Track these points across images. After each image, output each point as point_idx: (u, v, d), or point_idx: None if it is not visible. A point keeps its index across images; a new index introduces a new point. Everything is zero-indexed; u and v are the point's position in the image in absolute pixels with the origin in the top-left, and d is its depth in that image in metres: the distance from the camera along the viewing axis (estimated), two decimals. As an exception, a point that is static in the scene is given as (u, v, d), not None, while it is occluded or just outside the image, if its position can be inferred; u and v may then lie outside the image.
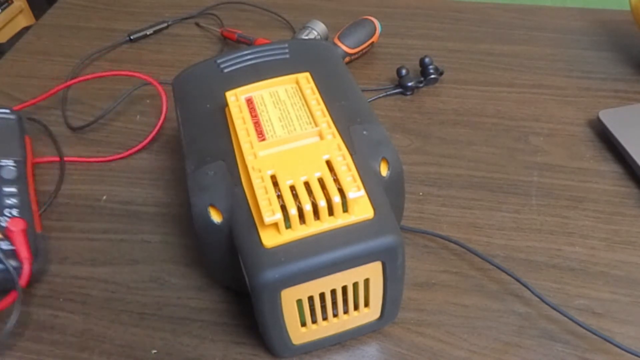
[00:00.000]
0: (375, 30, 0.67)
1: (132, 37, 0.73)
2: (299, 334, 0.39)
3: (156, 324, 0.45)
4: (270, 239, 0.35)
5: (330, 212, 0.35)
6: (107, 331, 0.44)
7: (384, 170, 0.40)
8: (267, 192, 0.35)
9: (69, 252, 0.50)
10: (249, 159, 0.38)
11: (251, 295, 0.36)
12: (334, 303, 0.38)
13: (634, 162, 0.52)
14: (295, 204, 0.35)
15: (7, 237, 0.45)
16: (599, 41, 0.69)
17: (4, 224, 0.46)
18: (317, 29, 0.68)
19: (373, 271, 0.37)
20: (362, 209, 0.36)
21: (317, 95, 0.42)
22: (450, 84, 0.65)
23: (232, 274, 0.41)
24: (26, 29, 1.67)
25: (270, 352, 0.42)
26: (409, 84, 0.63)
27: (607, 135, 0.56)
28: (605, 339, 0.41)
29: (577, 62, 0.67)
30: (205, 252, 0.41)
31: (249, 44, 0.69)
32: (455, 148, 0.57)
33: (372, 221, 0.36)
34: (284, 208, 0.35)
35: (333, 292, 0.37)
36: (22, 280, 0.44)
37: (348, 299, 0.38)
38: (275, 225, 0.35)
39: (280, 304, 0.35)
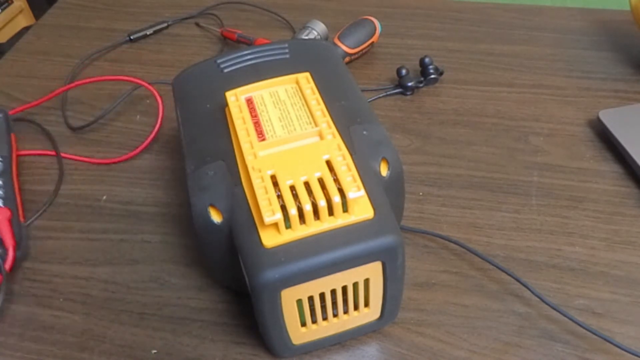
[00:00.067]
0: (375, 30, 0.67)
1: (132, 37, 0.73)
2: (299, 334, 0.39)
3: (156, 324, 0.45)
4: (270, 239, 0.35)
5: (330, 212, 0.35)
6: (107, 331, 0.44)
7: (384, 170, 0.40)
8: (267, 192, 0.35)
9: (69, 252, 0.50)
10: (249, 159, 0.38)
11: (251, 295, 0.36)
12: (334, 303, 0.38)
13: (634, 162, 0.52)
14: (295, 204, 0.35)
15: None
16: (599, 41, 0.69)
17: None
18: (317, 29, 0.68)
19: (373, 271, 0.37)
20: (362, 209, 0.36)
21: (317, 95, 0.42)
22: (450, 84, 0.65)
23: (232, 274, 0.41)
24: (26, 29, 1.67)
25: (270, 352, 0.42)
26: (409, 84, 0.63)
27: (607, 135, 0.56)
28: (605, 339, 0.41)
29: (577, 62, 0.67)
30: (205, 252, 0.41)
31: (249, 44, 0.69)
32: (455, 148, 0.57)
33: (372, 221, 0.36)
34: (284, 208, 0.35)
35: (333, 292, 0.37)
36: (7, 265, 0.47)
37: (348, 299, 0.38)
38: (275, 225, 0.35)
39: (280, 304, 0.36)
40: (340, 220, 0.35)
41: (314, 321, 0.39)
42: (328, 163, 0.37)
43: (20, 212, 0.52)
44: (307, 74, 0.44)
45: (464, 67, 0.67)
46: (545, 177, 0.54)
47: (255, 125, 0.40)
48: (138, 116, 0.63)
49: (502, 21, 0.74)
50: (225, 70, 0.46)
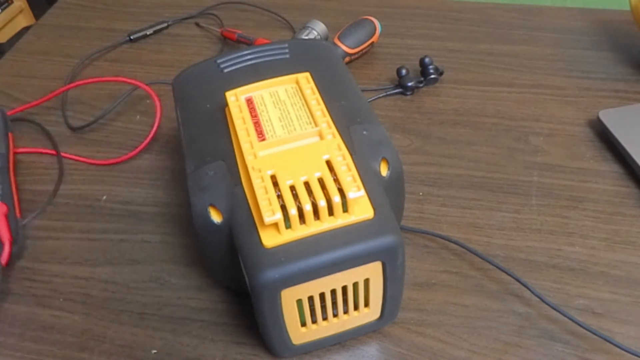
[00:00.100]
0: (375, 30, 0.67)
1: (132, 37, 0.73)
2: (299, 334, 0.39)
3: (156, 324, 0.45)
4: (270, 239, 0.35)
5: (330, 212, 0.35)
6: (107, 331, 0.44)
7: (384, 170, 0.40)
8: (267, 192, 0.35)
9: (69, 252, 0.50)
10: (249, 159, 0.38)
11: (251, 295, 0.36)
12: (334, 303, 0.38)
13: (634, 162, 0.52)
14: (295, 204, 0.35)
15: None
16: (599, 41, 0.69)
17: None
18: (317, 29, 0.68)
19: (373, 271, 0.37)
20: (362, 209, 0.36)
21: (317, 95, 0.42)
22: (450, 84, 0.65)
23: (232, 274, 0.41)
24: (26, 29, 1.67)
25: (270, 352, 0.42)
26: (409, 84, 0.63)
27: (607, 135, 0.56)
28: (605, 339, 0.41)
29: (577, 62, 0.67)
30: (205, 252, 0.41)
31: (249, 44, 0.69)
32: (455, 148, 0.57)
33: (372, 221, 0.36)
34: (284, 208, 0.35)
35: (333, 292, 0.37)
36: (3, 259, 0.48)
37: (348, 299, 0.38)
38: (275, 225, 0.35)
39: (280, 304, 0.36)
40: (340, 220, 0.35)
41: (314, 321, 0.39)
42: (328, 163, 0.37)
43: (17, 208, 0.52)
44: (307, 74, 0.44)
45: (464, 67, 0.67)
46: (545, 177, 0.54)
47: (255, 125, 0.40)
48: (138, 116, 0.63)
49: (502, 21, 0.74)
50: (225, 70, 0.46)
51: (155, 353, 0.43)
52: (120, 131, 0.61)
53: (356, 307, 0.40)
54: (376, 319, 0.41)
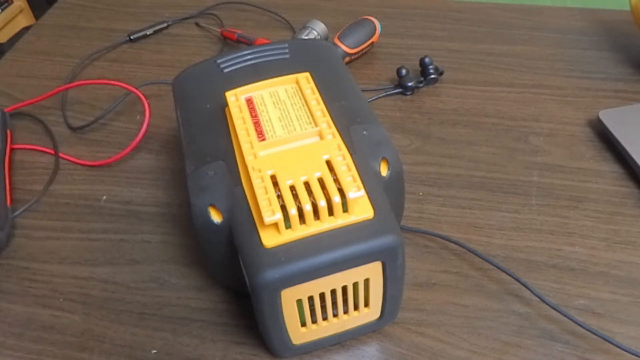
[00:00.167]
0: (375, 30, 0.67)
1: (132, 37, 0.73)
2: (299, 334, 0.39)
3: (156, 324, 0.45)
4: (270, 239, 0.35)
5: (330, 212, 0.35)
6: (107, 331, 0.44)
7: (384, 170, 0.40)
8: (267, 192, 0.35)
9: (69, 252, 0.50)
10: (249, 159, 0.38)
11: (251, 295, 0.36)
12: (334, 303, 0.38)
13: (634, 162, 0.52)
14: (295, 204, 0.35)
15: None
16: (599, 41, 0.69)
17: None
18: (317, 29, 0.68)
19: (373, 271, 0.37)
20: (362, 209, 0.36)
21: (317, 95, 0.42)
22: (450, 84, 0.65)
23: (232, 274, 0.41)
24: (26, 29, 1.67)
25: (270, 352, 0.42)
26: (409, 84, 0.63)
27: (607, 135, 0.56)
28: (605, 339, 0.41)
29: (577, 62, 0.67)
30: (205, 252, 0.41)
31: (249, 44, 0.69)
32: (455, 148, 0.57)
33: (372, 221, 0.36)
34: (284, 208, 0.35)
35: (333, 292, 0.37)
36: None
37: (348, 299, 0.38)
38: (275, 225, 0.35)
39: (280, 304, 0.36)
40: (340, 220, 0.35)
41: (314, 321, 0.39)
42: (328, 163, 0.37)
43: (8, 197, 0.54)
44: (307, 74, 0.44)
45: (464, 67, 0.67)
46: (545, 177, 0.54)
47: (255, 125, 0.40)
48: (138, 116, 0.63)
49: (502, 21, 0.74)
50: (225, 70, 0.46)
51: (155, 353, 0.43)
52: (120, 131, 0.61)
53: (356, 307, 0.40)
54: (376, 319, 0.41)
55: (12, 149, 0.59)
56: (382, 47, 0.70)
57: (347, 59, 0.66)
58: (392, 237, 0.35)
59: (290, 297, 0.36)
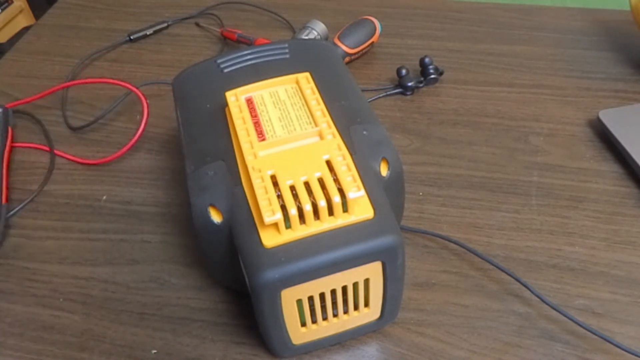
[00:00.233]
0: (375, 30, 0.67)
1: (132, 37, 0.73)
2: (299, 334, 0.39)
3: (156, 324, 0.45)
4: (270, 239, 0.35)
5: (330, 212, 0.35)
6: (107, 331, 0.44)
7: (384, 170, 0.40)
8: (267, 192, 0.35)
9: (69, 252, 0.50)
10: (249, 159, 0.38)
11: (251, 295, 0.36)
12: (334, 303, 0.38)
13: (634, 162, 0.52)
14: (295, 204, 0.35)
15: None
16: (599, 41, 0.69)
17: None
18: (317, 29, 0.68)
19: (373, 271, 0.37)
20: (362, 209, 0.36)
21: (317, 95, 0.42)
22: (450, 84, 0.65)
23: (232, 274, 0.41)
24: (26, 29, 1.67)
25: (270, 352, 0.42)
26: (409, 84, 0.63)
27: (607, 135, 0.56)
28: (605, 339, 0.41)
29: (577, 62, 0.67)
30: (205, 252, 0.41)
31: (249, 44, 0.69)
32: (455, 148, 0.57)
33: (372, 221, 0.36)
34: (284, 208, 0.35)
35: (333, 292, 0.37)
36: None
37: (348, 299, 0.38)
38: (275, 225, 0.35)
39: (280, 304, 0.35)
40: (340, 220, 0.35)
41: (314, 321, 0.39)
42: (328, 163, 0.37)
43: (4, 194, 0.54)
44: (307, 74, 0.44)
45: (464, 67, 0.67)
46: (545, 177, 0.54)
47: (255, 125, 0.40)
48: (138, 116, 0.63)
49: (502, 21, 0.74)
50: (225, 70, 0.46)
51: (155, 353, 0.43)
52: (120, 131, 0.61)
53: (356, 307, 0.40)
54: (376, 319, 0.41)
55: (12, 147, 0.60)
56: (382, 47, 0.70)
57: (347, 59, 0.66)
58: (392, 237, 0.35)
59: (290, 297, 0.36)
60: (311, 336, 0.40)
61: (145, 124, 0.56)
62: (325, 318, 0.39)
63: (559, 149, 0.56)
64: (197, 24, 0.76)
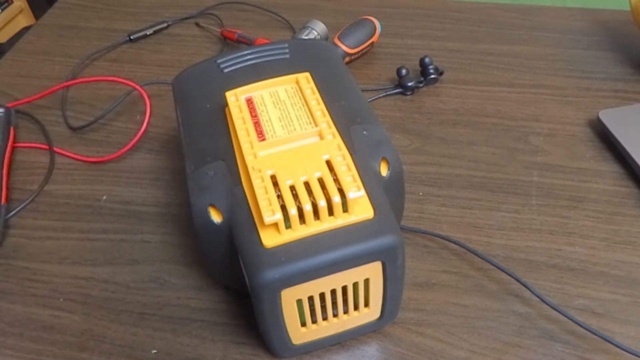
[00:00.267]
0: (375, 30, 0.67)
1: (132, 37, 0.73)
2: (299, 334, 0.39)
3: (156, 324, 0.45)
4: (270, 239, 0.35)
5: (330, 212, 0.35)
6: (107, 331, 0.44)
7: (384, 170, 0.40)
8: (267, 192, 0.35)
9: (69, 252, 0.50)
10: (249, 159, 0.38)
11: (251, 295, 0.36)
12: (334, 303, 0.38)
13: (634, 162, 0.52)
14: (295, 204, 0.35)
15: None
16: (599, 41, 0.69)
17: None
18: (317, 29, 0.68)
19: (373, 271, 0.37)
20: (362, 209, 0.36)
21: (317, 95, 0.42)
22: (450, 84, 0.65)
23: (232, 274, 0.41)
24: (26, 29, 1.67)
25: (270, 352, 0.42)
26: (409, 84, 0.63)
27: (607, 135, 0.56)
28: (605, 339, 0.41)
29: (577, 62, 0.67)
30: (205, 252, 0.41)
31: (249, 44, 0.69)
32: (455, 148, 0.57)
33: (372, 221, 0.36)
34: (284, 208, 0.35)
35: (333, 292, 0.37)
36: None
37: (348, 299, 0.38)
38: (275, 225, 0.35)
39: (280, 304, 0.35)
40: (340, 220, 0.35)
41: (314, 321, 0.39)
42: (328, 163, 0.37)
43: (4, 195, 0.54)
44: (307, 74, 0.44)
45: (464, 67, 0.67)
46: (545, 177, 0.54)
47: (255, 125, 0.40)
48: (138, 116, 0.63)
49: (502, 21, 0.74)
50: (225, 70, 0.46)
51: (155, 353, 0.43)
52: (121, 131, 0.61)
53: (356, 307, 0.40)
54: (376, 319, 0.41)
55: (13, 147, 0.60)
56: (382, 47, 0.70)
57: (347, 59, 0.66)
58: (392, 237, 0.35)
59: (290, 297, 0.36)
60: (311, 336, 0.40)
61: (148, 121, 0.56)
62: (325, 318, 0.39)
63: (559, 149, 0.56)
64: (197, 24, 0.76)
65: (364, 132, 0.41)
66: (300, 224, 0.35)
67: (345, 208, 0.36)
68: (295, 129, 0.40)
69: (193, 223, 0.39)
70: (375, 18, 0.70)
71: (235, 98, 0.42)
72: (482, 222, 0.50)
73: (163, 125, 0.61)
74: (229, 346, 0.43)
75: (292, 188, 0.36)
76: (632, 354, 0.40)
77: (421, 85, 0.63)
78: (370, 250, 0.35)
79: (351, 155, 0.39)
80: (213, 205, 0.38)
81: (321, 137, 0.39)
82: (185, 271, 0.48)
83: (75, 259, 0.49)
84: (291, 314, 0.37)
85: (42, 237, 0.51)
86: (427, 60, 0.63)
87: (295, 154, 0.38)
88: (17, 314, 0.46)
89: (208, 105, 0.44)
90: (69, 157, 0.58)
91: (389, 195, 0.38)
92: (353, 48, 0.66)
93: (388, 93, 0.64)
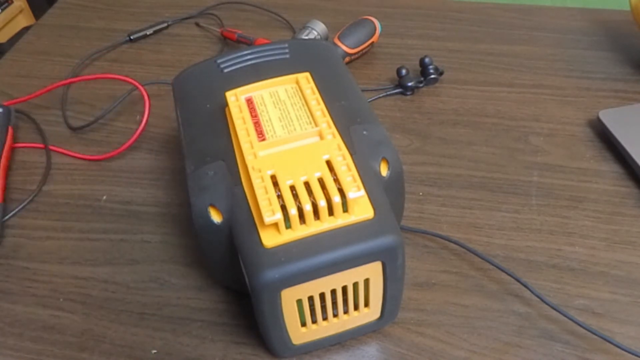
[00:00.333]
0: (375, 30, 0.67)
1: (132, 37, 0.73)
2: (299, 334, 0.39)
3: (156, 324, 0.45)
4: (270, 239, 0.35)
5: (330, 212, 0.35)
6: (107, 331, 0.44)
7: (384, 170, 0.40)
8: (267, 192, 0.35)
9: (69, 252, 0.50)
10: (249, 159, 0.38)
11: (251, 295, 0.36)
12: (334, 303, 0.38)
13: (634, 162, 0.52)
14: (295, 204, 0.35)
15: None
16: (599, 41, 0.69)
17: None
18: (317, 29, 0.68)
19: (373, 271, 0.37)
20: (362, 209, 0.36)
21: (317, 95, 0.42)
22: (450, 84, 0.65)
23: (232, 274, 0.41)
24: (26, 29, 1.67)
25: (270, 352, 0.42)
26: (409, 84, 0.63)
27: (607, 135, 0.56)
28: (605, 339, 0.41)
29: (577, 62, 0.67)
30: (205, 252, 0.41)
31: (249, 44, 0.69)
32: (455, 148, 0.57)
33: (372, 221, 0.36)
34: (284, 208, 0.35)
35: (333, 292, 0.37)
36: None
37: (348, 299, 0.38)
38: (275, 225, 0.35)
39: (280, 304, 0.36)
40: (340, 220, 0.35)
41: (314, 321, 0.39)
42: (328, 163, 0.37)
43: (1, 195, 0.54)
44: (307, 74, 0.44)
45: (464, 67, 0.67)
46: (545, 177, 0.54)
47: (255, 125, 0.40)
48: (138, 116, 0.63)
49: (502, 21, 0.74)
50: (225, 70, 0.46)
51: (155, 353, 0.43)
52: (121, 131, 0.61)
53: (356, 307, 0.40)
54: (376, 319, 0.41)
55: (12, 147, 0.60)
56: (382, 47, 0.70)
57: (347, 59, 0.66)
58: (392, 237, 0.35)
59: (290, 297, 0.36)
60: (311, 336, 0.40)
61: (147, 119, 0.56)
62: (325, 318, 0.39)
63: (559, 149, 0.56)
64: (197, 24, 0.76)
65: (364, 132, 0.41)
66: (301, 224, 0.35)
67: (345, 208, 0.36)
68: (295, 129, 0.40)
69: (193, 223, 0.39)
70: (375, 18, 0.70)
71: (235, 98, 0.42)
72: (482, 222, 0.50)
73: (163, 125, 0.61)
74: (229, 346, 0.43)
75: (292, 188, 0.36)
76: (632, 354, 0.40)
77: (421, 85, 0.63)
78: (370, 250, 0.35)
79: (351, 155, 0.39)
80: (213, 205, 0.38)
81: (321, 137, 0.39)
82: (185, 271, 0.48)
83: (75, 259, 0.49)
84: (291, 314, 0.37)
85: (42, 237, 0.51)
86: (427, 60, 0.63)
87: (295, 154, 0.38)
88: (17, 314, 0.46)
89: (208, 105, 0.44)
90: (67, 155, 0.58)
91: (389, 195, 0.38)
92: (353, 48, 0.66)
93: (388, 93, 0.64)
